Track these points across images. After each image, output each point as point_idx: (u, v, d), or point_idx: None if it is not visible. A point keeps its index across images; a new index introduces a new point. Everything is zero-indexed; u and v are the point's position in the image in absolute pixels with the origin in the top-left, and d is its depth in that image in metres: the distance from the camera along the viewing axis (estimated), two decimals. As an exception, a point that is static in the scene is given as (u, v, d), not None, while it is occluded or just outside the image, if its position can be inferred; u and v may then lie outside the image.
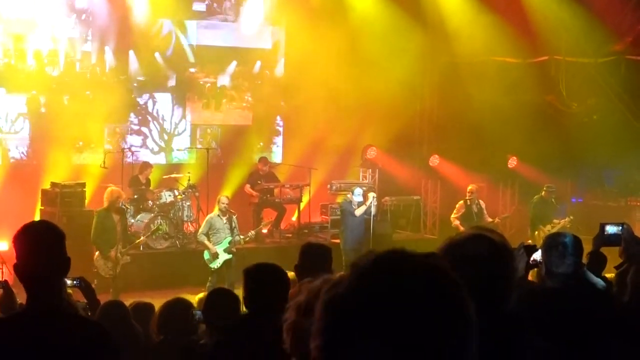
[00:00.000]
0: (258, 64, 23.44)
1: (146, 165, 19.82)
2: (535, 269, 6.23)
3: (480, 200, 19.69)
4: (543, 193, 19.79)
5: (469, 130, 22.02)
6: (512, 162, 22.51)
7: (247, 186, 20.56)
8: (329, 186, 21.72)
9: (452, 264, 3.30)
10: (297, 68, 22.58)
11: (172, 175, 20.35)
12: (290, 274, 8.86)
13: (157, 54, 21.75)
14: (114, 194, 16.08)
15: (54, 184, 18.20)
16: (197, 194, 19.96)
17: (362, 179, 21.94)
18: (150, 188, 19.58)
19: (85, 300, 7.31)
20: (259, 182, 20.46)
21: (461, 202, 19.78)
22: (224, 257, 16.46)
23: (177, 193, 19.52)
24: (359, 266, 1.89)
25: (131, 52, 21.44)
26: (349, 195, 18.64)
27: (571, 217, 19.62)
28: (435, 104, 24.39)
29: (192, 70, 22.75)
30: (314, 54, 21.75)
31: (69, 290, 7.67)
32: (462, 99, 22.55)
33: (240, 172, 21.63)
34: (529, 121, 21.43)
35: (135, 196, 18.99)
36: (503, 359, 3.39)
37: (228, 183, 21.37)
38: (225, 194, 17.67)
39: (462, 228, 19.38)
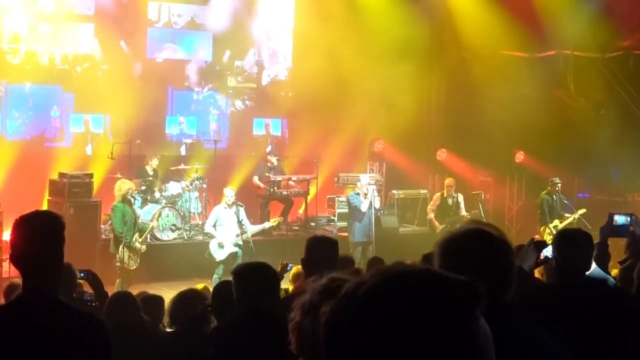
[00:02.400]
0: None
1: (153, 156, 19.82)
2: (545, 265, 6.22)
3: (459, 194, 19.72)
4: (549, 187, 19.76)
5: (476, 124, 21.99)
6: (519, 156, 22.51)
7: (255, 178, 20.59)
8: (336, 179, 21.73)
9: (450, 259, 3.35)
10: (304, 61, 22.56)
11: (180, 167, 20.37)
12: (298, 267, 8.91)
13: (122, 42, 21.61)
14: (125, 185, 16.11)
15: (61, 174, 18.20)
16: (204, 185, 19.99)
17: (370, 172, 21.91)
18: (158, 179, 19.61)
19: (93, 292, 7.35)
20: (266, 174, 20.48)
21: (438, 194, 19.93)
22: (229, 249, 16.49)
23: (184, 184, 19.53)
24: (354, 295, 1.84)
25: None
26: (357, 184, 18.63)
27: (583, 211, 19.57)
28: (443, 98, 24.37)
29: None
30: (321, 46, 21.72)
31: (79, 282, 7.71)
32: (470, 92, 22.55)
33: (248, 164, 21.65)
34: (537, 115, 21.39)
35: (143, 187, 18.96)
36: (505, 353, 3.41)
37: (236, 175, 21.37)
38: (231, 187, 17.69)
39: (435, 222, 19.49)
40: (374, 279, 1.86)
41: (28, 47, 20.65)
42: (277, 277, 6.18)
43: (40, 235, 4.18)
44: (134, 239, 15.63)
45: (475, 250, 3.38)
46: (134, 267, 15.66)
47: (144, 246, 16.01)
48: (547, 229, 19.00)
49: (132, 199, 17.58)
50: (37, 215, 4.36)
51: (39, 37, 20.75)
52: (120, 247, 15.57)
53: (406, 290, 1.82)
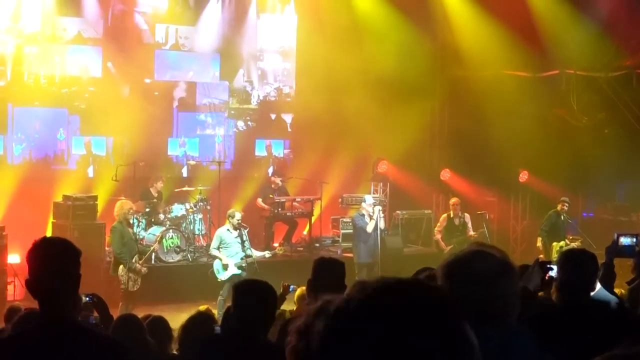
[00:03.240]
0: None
1: (157, 178, 19.85)
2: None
3: (465, 214, 19.65)
4: (558, 207, 19.70)
5: (479, 144, 21.99)
6: (523, 176, 22.49)
7: (259, 200, 20.59)
8: (340, 200, 21.71)
9: (453, 281, 3.35)
10: (307, 82, 22.61)
11: (184, 189, 20.38)
12: (302, 289, 8.90)
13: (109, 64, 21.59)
14: (126, 206, 16.11)
15: (66, 197, 18.23)
16: (208, 207, 20.00)
17: (373, 193, 21.89)
18: (162, 201, 19.63)
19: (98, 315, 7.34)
20: (270, 195, 20.49)
21: (444, 215, 19.88)
22: (233, 270, 16.44)
23: (188, 206, 19.56)
24: (346, 309, 1.87)
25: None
26: (362, 206, 18.60)
27: (581, 240, 19.54)
28: (446, 118, 24.38)
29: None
30: (324, 68, 21.78)
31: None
32: (473, 112, 22.55)
33: (252, 185, 21.66)
34: (540, 135, 21.43)
35: (147, 209, 19.00)
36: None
37: (239, 196, 21.38)
38: (236, 208, 17.64)
39: (442, 243, 19.44)
40: (361, 293, 1.88)
41: (31, 70, 20.72)
42: (276, 295, 6.18)
43: (58, 261, 4.18)
44: (133, 260, 15.64)
45: (478, 272, 3.39)
46: (135, 289, 15.65)
47: (144, 268, 15.99)
48: (555, 248, 18.95)
49: (135, 220, 17.63)
50: (53, 242, 4.36)
51: (42, 59, 20.83)
52: (120, 268, 15.57)
53: (393, 299, 1.85)
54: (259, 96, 23.66)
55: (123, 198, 17.85)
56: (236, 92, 23.39)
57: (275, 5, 23.51)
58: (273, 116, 23.85)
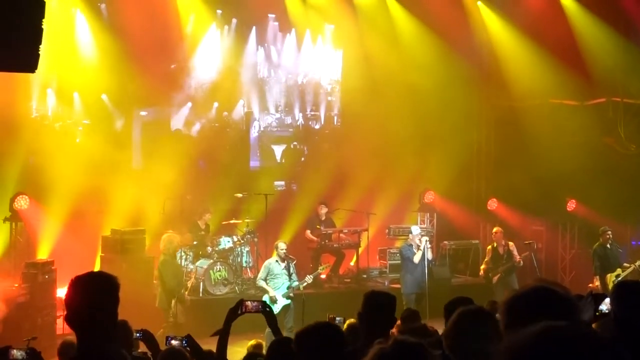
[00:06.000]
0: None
1: (205, 211, 19.92)
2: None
3: (509, 242, 19.39)
4: (601, 239, 19.47)
5: (526, 173, 21.86)
6: (571, 205, 22.33)
7: (308, 232, 20.59)
8: (387, 231, 21.67)
9: (515, 318, 3.31)
10: (353, 113, 22.67)
11: (231, 221, 20.42)
12: (351, 321, 8.86)
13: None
14: (174, 240, 16.21)
15: (114, 231, 18.33)
16: (255, 239, 20.04)
17: (420, 223, 21.83)
18: (209, 234, 19.68)
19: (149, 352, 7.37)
20: (318, 227, 20.48)
21: (489, 247, 19.66)
22: (282, 302, 16.43)
23: (235, 239, 19.61)
24: None
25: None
26: (409, 236, 18.53)
27: (637, 264, 19.20)
28: (493, 147, 24.32)
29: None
30: (370, 98, 21.83)
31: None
32: (520, 141, 22.48)
33: (299, 217, 21.66)
34: (588, 163, 21.26)
35: (195, 242, 19.07)
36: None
37: (286, 228, 21.40)
38: (283, 240, 17.63)
39: (489, 275, 19.16)
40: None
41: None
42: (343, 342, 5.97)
43: (96, 295, 4.21)
44: (181, 292, 15.78)
45: (541, 309, 3.35)
46: (183, 321, 15.74)
47: (188, 299, 16.17)
48: (612, 277, 18.72)
49: (182, 253, 17.75)
50: (93, 276, 4.40)
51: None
52: (173, 301, 15.63)
53: None
54: (260, 126, 23.75)
55: (171, 231, 17.92)
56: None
57: (317, 38, 23.57)
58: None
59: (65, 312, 4.24)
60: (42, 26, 8.52)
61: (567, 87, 22.16)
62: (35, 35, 8.47)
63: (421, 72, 22.17)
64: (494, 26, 23.26)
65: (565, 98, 22.66)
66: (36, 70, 8.77)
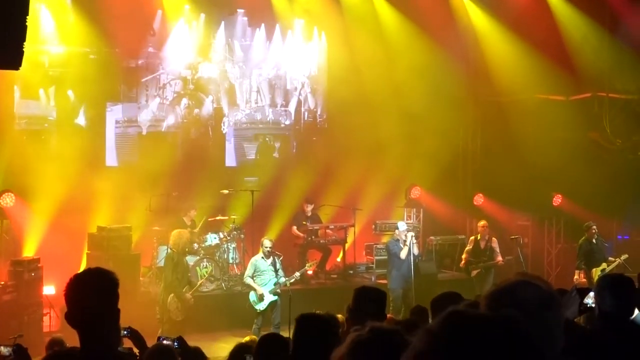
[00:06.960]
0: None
1: (190, 207, 19.90)
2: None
3: (493, 239, 19.41)
4: (586, 234, 19.48)
5: (512, 168, 21.89)
6: (557, 199, 22.40)
7: (294, 228, 20.59)
8: (373, 226, 21.70)
9: (496, 311, 3.32)
10: (339, 109, 22.65)
11: (217, 218, 20.40)
12: (339, 316, 8.86)
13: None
14: (185, 236, 16.23)
15: (100, 228, 18.29)
16: (242, 236, 20.02)
17: (407, 219, 21.85)
18: (195, 230, 19.66)
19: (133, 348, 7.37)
20: (304, 223, 20.49)
21: (472, 237, 19.77)
22: (269, 298, 16.45)
23: (222, 235, 19.59)
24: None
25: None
26: (396, 232, 18.56)
27: (626, 256, 19.20)
28: (479, 143, 24.35)
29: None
30: (355, 94, 21.82)
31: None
32: (505, 137, 22.51)
33: (285, 213, 21.64)
34: (573, 158, 21.30)
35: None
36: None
37: (273, 224, 21.38)
38: (268, 237, 17.63)
39: (468, 268, 19.27)
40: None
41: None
42: (338, 332, 6.07)
43: (96, 293, 4.19)
44: (183, 290, 15.78)
45: (523, 303, 3.35)
46: (180, 318, 15.72)
47: (192, 299, 16.14)
48: (597, 271, 18.74)
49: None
50: (93, 273, 4.37)
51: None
52: (171, 297, 15.64)
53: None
54: (230, 122, 23.44)
55: (157, 228, 17.89)
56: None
57: (306, 32, 23.48)
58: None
59: (66, 310, 4.20)
60: (26, 23, 8.50)
61: (552, 83, 22.18)
62: (19, 32, 8.45)
63: (407, 68, 22.18)
64: (479, 22, 23.26)
65: (551, 93, 22.69)
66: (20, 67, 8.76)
